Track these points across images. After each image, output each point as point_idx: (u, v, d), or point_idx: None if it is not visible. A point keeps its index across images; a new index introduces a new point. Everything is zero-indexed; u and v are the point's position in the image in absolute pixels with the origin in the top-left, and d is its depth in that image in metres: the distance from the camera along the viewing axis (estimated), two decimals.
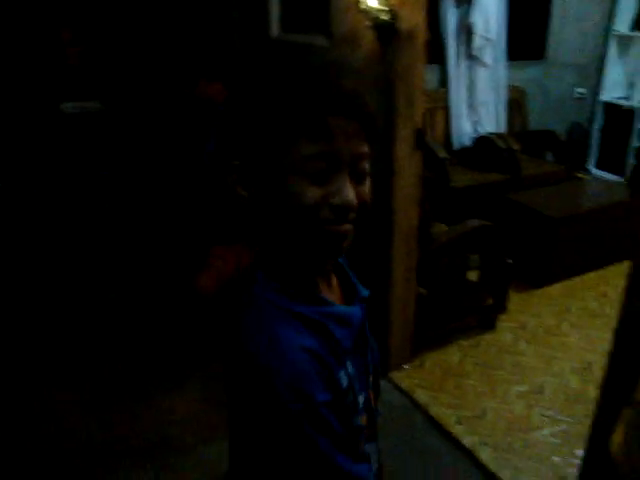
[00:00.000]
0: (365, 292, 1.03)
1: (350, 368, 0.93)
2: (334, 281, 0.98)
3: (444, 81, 4.35)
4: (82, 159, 3.33)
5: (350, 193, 0.82)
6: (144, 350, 2.97)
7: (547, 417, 2.57)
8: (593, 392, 2.48)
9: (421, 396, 2.69)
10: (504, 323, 3.23)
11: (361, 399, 0.97)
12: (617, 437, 1.07)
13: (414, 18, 2.27)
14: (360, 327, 0.98)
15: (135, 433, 2.51)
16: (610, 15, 5.12)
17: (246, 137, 0.88)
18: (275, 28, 3.10)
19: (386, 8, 2.23)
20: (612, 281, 3.62)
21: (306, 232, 0.84)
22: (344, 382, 0.91)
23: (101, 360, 2.93)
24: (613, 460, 1.07)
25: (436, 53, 4.09)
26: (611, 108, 5.29)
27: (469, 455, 2.38)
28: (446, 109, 4.37)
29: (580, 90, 5.32)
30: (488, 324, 3.18)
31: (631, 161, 4.98)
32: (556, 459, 2.35)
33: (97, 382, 2.80)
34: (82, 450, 2.42)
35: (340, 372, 0.90)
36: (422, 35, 2.35)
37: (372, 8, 2.28)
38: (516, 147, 4.20)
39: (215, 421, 2.54)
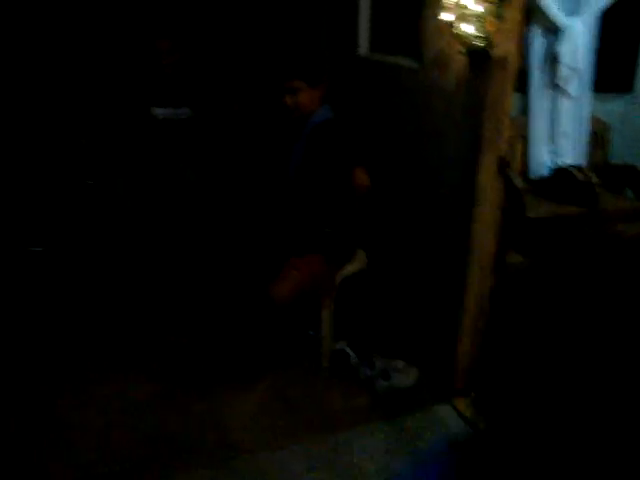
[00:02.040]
0: None
1: None
2: None
3: (524, 110, 4.28)
4: (173, 161, 3.44)
5: None
6: (214, 351, 2.99)
7: None
8: None
9: None
10: None
11: None
12: None
13: (508, 46, 2.26)
14: None
15: (194, 431, 2.51)
16: None
17: None
18: (364, 47, 3.15)
19: (482, 34, 2.21)
20: None
21: None
22: None
23: (170, 357, 2.98)
24: None
25: (519, 81, 4.04)
26: None
27: None
28: (525, 138, 4.30)
29: None
30: None
31: None
32: None
33: (160, 377, 2.83)
34: (138, 445, 2.42)
35: None
36: (514, 63, 2.35)
37: (466, 33, 2.27)
38: (595, 180, 4.09)
39: (279, 428, 2.53)
